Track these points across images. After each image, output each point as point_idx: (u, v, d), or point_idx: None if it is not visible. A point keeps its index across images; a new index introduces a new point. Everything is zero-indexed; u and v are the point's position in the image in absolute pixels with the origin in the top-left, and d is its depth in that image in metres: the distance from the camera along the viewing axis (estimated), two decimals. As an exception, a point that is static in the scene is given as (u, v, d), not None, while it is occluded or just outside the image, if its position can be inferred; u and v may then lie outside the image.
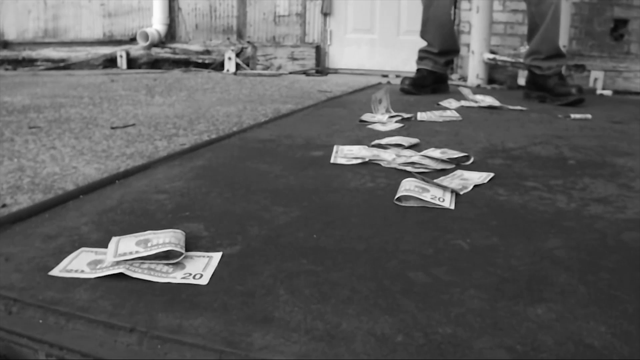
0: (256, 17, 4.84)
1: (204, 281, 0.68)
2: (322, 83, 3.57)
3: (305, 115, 2.01)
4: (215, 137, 1.63)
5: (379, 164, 1.25)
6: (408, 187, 0.99)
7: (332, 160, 1.28)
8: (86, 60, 5.16)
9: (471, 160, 1.29)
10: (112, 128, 1.88)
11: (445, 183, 1.07)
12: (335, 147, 1.39)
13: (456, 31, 3.96)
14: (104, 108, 2.36)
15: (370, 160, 1.27)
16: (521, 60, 3.35)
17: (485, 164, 1.29)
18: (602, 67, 4.04)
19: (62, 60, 5.20)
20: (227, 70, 4.53)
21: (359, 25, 4.39)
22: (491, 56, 3.59)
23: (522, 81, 3.49)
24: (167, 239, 0.75)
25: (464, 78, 3.86)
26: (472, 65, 3.65)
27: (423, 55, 2.96)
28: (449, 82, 3.34)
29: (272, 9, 4.77)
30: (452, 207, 0.95)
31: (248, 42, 4.74)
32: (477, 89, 3.45)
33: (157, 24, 5.02)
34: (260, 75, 4.15)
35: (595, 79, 4.02)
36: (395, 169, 1.21)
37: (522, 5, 3.99)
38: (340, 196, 1.02)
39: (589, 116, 2.06)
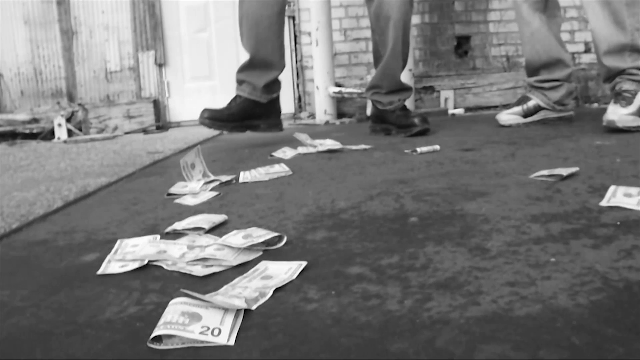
0: (86, 76, 4.43)
1: None
2: (157, 141, 3.21)
3: (110, 192, 1.65)
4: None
5: (162, 266, 0.92)
6: (171, 317, 0.67)
7: (101, 270, 0.94)
8: None
9: (283, 242, 0.98)
10: None
11: (237, 290, 0.77)
12: (117, 243, 1.06)
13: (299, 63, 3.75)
14: None
15: (150, 261, 0.94)
16: (367, 90, 3.17)
17: (302, 242, 0.99)
18: (450, 86, 3.99)
19: None
20: (58, 138, 4.07)
21: (197, 73, 4.09)
22: (336, 89, 3.40)
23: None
24: None
25: (313, 115, 3.63)
26: (319, 101, 3.45)
27: (240, 76, 2.25)
28: (299, 121, 3.10)
29: (102, 65, 4.39)
30: (232, 341, 0.64)
31: (79, 104, 4.30)
32: (326, 126, 3.23)
33: (-25, 96, 4.49)
34: (92, 140, 3.73)
35: (446, 99, 3.95)
36: (180, 272, 0.89)
37: (364, 33, 3.85)
38: (77, 344, 0.68)
39: (437, 147, 1.86)
